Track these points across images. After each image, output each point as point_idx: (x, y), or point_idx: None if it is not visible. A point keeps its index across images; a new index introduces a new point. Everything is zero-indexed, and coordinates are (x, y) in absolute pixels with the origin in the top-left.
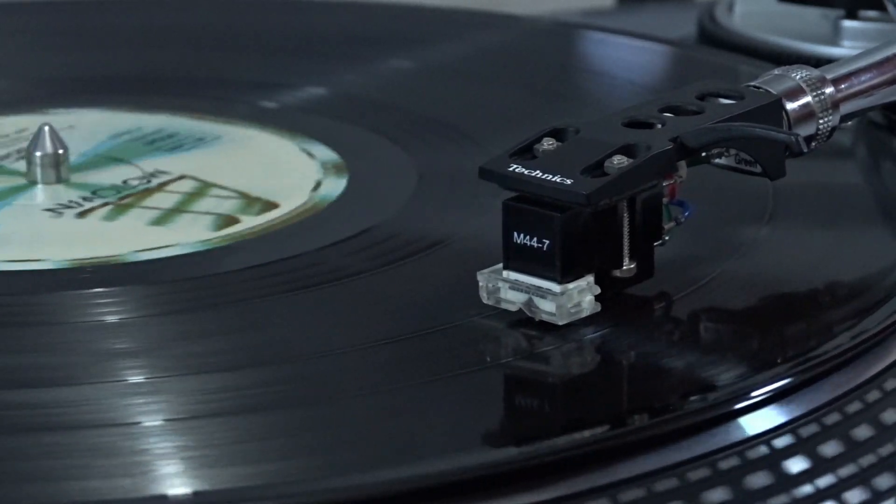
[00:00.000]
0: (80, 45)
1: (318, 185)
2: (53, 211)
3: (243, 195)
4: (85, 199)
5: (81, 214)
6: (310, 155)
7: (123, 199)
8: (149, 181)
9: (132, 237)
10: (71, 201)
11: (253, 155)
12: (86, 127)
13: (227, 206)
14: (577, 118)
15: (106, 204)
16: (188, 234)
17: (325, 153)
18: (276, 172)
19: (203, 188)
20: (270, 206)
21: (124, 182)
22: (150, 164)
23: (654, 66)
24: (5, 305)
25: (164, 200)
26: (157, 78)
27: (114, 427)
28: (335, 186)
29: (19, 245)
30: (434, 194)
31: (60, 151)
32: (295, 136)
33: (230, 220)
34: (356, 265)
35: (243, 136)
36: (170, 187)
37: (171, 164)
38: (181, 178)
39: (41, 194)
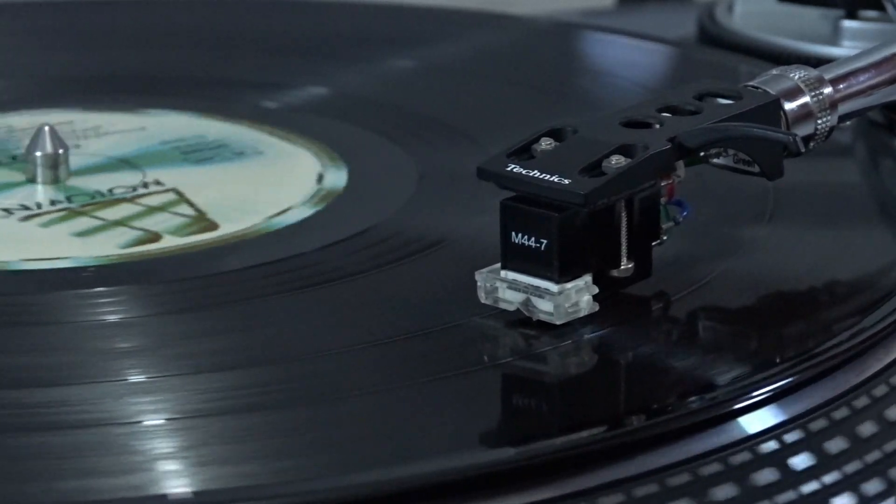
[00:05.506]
0: (81, 45)
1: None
2: (7, 211)
3: (198, 215)
4: (53, 202)
5: (26, 218)
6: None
7: (84, 207)
8: (134, 191)
9: (37, 246)
10: (36, 203)
11: (269, 174)
12: (154, 129)
13: (169, 224)
14: (576, 118)
15: (63, 210)
16: (92, 249)
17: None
18: (270, 195)
19: (170, 204)
20: (210, 227)
21: (109, 190)
22: (158, 173)
23: (654, 66)
24: None
25: (119, 212)
26: (157, 78)
27: (114, 426)
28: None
29: None
30: (434, 194)
31: (60, 151)
32: (321, 150)
33: (151, 239)
34: (356, 265)
35: (283, 153)
36: (144, 200)
37: (178, 175)
38: (168, 191)
39: (16, 194)
